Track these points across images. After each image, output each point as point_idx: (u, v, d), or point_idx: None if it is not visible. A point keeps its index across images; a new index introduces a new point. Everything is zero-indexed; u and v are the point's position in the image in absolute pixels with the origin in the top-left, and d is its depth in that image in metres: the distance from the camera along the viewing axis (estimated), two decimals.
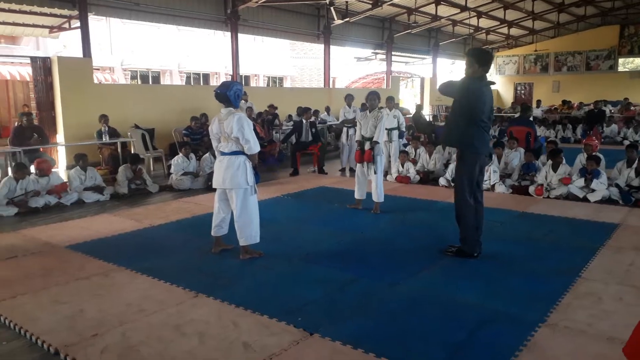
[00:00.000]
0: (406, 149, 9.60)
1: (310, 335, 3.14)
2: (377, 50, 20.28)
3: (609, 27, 23.25)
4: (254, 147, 4.47)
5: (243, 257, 4.61)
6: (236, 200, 4.52)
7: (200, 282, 4.00)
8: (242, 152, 4.48)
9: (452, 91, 4.56)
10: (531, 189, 7.51)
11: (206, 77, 24.68)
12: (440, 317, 3.44)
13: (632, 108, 18.21)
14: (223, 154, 4.55)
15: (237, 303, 3.60)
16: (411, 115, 15.50)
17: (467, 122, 4.46)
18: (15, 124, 10.11)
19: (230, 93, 4.42)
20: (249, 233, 4.58)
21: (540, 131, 14.40)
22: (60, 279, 4.14)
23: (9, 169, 7.92)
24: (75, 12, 10.57)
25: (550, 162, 7.61)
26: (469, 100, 4.41)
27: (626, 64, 23.78)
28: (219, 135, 4.56)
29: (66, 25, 11.53)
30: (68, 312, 3.50)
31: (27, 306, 3.61)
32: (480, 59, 4.43)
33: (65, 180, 7.47)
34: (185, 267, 4.45)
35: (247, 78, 25.00)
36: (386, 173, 9.27)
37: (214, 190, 4.79)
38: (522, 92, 26.47)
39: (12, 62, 14.98)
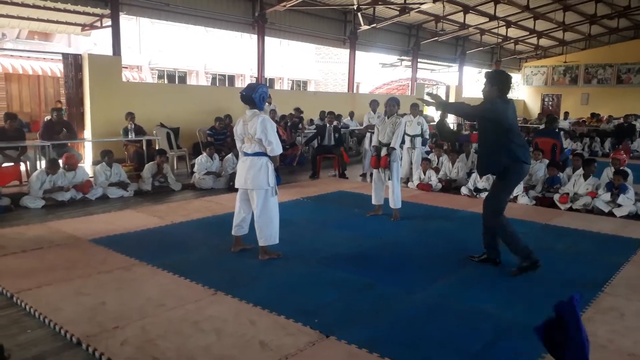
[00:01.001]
0: (429, 157, 9.55)
1: (327, 338, 3.16)
2: (402, 57, 20.23)
3: None
4: (277, 149, 4.51)
5: (262, 257, 4.64)
6: (257, 200, 4.56)
7: (219, 280, 4.05)
8: (264, 154, 4.52)
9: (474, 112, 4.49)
10: (556, 197, 7.40)
11: (231, 78, 24.94)
12: (457, 326, 3.42)
13: None
14: (246, 154, 4.59)
15: (255, 302, 3.63)
16: (435, 123, 15.42)
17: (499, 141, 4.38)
18: (46, 119, 10.37)
19: (256, 95, 4.47)
20: (269, 234, 4.61)
21: (567, 144, 14.18)
22: (83, 271, 4.23)
23: (38, 163, 8.13)
24: (107, 11, 10.80)
25: (581, 171, 7.51)
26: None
27: None
28: (242, 136, 4.60)
29: (98, 24, 11.77)
30: (90, 304, 3.58)
31: (51, 296, 3.70)
32: (493, 79, 4.40)
33: (90, 175, 7.63)
34: (205, 264, 4.51)
35: (271, 81, 25.20)
36: (407, 180, 9.26)
37: (236, 190, 4.84)
38: (550, 103, 26.09)
39: (44, 58, 15.36)
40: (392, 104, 6.39)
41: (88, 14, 11.10)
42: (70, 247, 4.92)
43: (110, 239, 5.18)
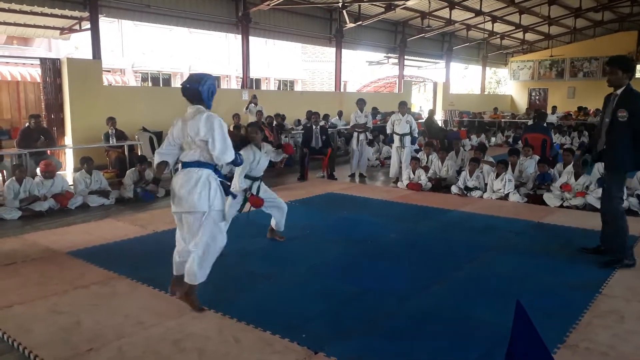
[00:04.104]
0: (418, 155, 9.41)
1: (315, 354, 2.98)
2: (389, 54, 20.10)
3: (627, 33, 22.83)
4: (225, 156, 3.40)
5: (180, 297, 3.56)
6: (192, 227, 3.48)
7: (202, 294, 3.81)
8: (207, 164, 3.45)
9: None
10: (554, 193, 7.29)
11: (217, 79, 24.68)
12: (452, 335, 3.26)
13: None
14: (184, 165, 3.49)
15: (239, 317, 3.44)
16: (423, 121, 15.32)
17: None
18: (26, 125, 10.07)
19: (203, 88, 3.43)
20: (200, 272, 3.48)
21: (556, 138, 14.13)
22: (58, 287, 4.02)
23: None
24: (86, 14, 10.54)
25: (571, 168, 7.39)
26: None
27: None
28: (180, 140, 3.51)
29: (77, 27, 11.51)
30: (64, 324, 3.37)
31: (23, 317, 3.49)
32: (626, 65, 4.35)
33: (70, 184, 7.39)
34: None
35: (258, 81, 24.96)
36: (397, 180, 9.12)
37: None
38: (537, 97, 26.12)
39: (24, 64, 15.01)
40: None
41: (66, 17, 10.84)
42: (46, 261, 4.70)
43: (88, 251, 4.96)
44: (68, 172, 9.52)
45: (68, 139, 9.99)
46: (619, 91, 4.42)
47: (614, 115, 4.37)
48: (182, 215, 3.50)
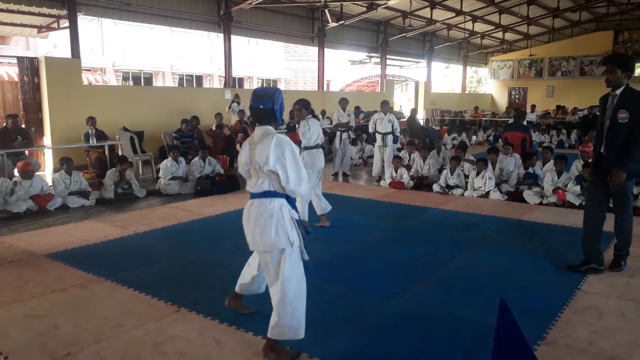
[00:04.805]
0: (400, 154, 9.45)
1: (298, 356, 2.96)
2: (371, 54, 20.16)
3: (603, 33, 23.25)
4: (298, 188, 2.90)
5: (267, 356, 2.96)
6: (271, 268, 2.97)
7: (183, 296, 3.81)
8: (278, 194, 2.94)
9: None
10: (533, 191, 7.38)
11: (199, 78, 24.51)
12: (437, 335, 3.28)
13: None
14: (252, 195, 3.01)
15: (221, 319, 3.41)
16: (405, 120, 15.39)
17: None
18: (2, 125, 9.89)
19: (277, 107, 2.97)
20: (288, 322, 2.91)
21: (535, 136, 14.31)
22: (36, 290, 3.94)
23: None
24: (64, 12, 10.35)
25: (554, 168, 7.48)
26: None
27: None
28: (248, 167, 2.99)
29: (55, 25, 11.29)
30: (41, 328, 3.31)
31: None
32: (625, 65, 4.16)
33: (49, 184, 7.26)
34: (168, 278, 4.25)
35: (240, 80, 24.85)
36: (380, 178, 9.15)
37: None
38: (516, 96, 26.44)
39: (1, 62, 14.70)
40: (299, 107, 5.69)
41: (44, 14, 10.62)
42: (24, 263, 4.61)
43: (67, 253, 4.88)
44: (47, 172, 9.36)
45: (47, 139, 9.82)
46: (618, 91, 4.20)
47: (614, 117, 4.20)
48: (258, 253, 3.12)
